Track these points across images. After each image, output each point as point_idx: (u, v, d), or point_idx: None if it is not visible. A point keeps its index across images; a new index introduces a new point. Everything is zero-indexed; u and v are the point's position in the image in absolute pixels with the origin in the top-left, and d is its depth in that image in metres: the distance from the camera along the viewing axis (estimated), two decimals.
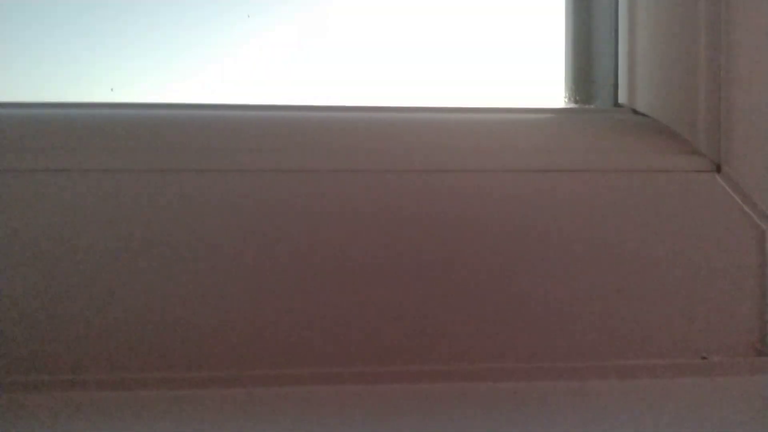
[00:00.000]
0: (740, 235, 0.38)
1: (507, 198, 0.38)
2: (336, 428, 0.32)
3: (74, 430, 0.31)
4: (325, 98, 0.43)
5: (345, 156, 0.38)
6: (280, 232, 0.37)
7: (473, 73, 0.46)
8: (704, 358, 0.38)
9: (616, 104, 0.44)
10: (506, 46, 0.46)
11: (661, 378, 0.37)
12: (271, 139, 0.38)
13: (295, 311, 0.36)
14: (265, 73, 0.45)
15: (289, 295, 0.36)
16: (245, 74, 0.45)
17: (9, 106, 0.39)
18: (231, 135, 0.38)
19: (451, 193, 0.37)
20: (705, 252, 0.38)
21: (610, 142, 0.40)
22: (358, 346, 0.36)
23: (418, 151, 0.38)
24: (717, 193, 0.38)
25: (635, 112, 0.43)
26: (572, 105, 0.46)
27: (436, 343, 0.37)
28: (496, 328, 0.37)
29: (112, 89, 0.43)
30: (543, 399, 0.35)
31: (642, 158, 0.39)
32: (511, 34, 0.46)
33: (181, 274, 0.36)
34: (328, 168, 0.37)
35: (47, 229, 0.36)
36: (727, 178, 0.38)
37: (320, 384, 0.36)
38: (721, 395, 0.36)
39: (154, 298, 0.36)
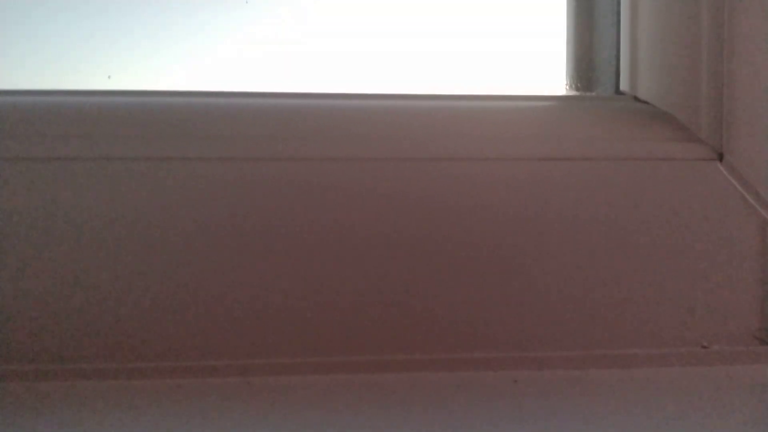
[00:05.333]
0: (741, 224, 0.38)
1: (507, 186, 0.37)
2: (337, 418, 0.32)
3: (71, 419, 0.31)
4: (324, 85, 0.43)
5: (341, 144, 0.37)
6: (280, 220, 0.36)
7: (474, 60, 0.46)
8: (705, 347, 0.38)
9: (618, 92, 0.44)
10: (507, 33, 0.46)
11: (662, 367, 0.37)
12: (271, 127, 0.38)
13: (297, 300, 0.36)
14: (263, 59, 0.45)
15: (291, 284, 0.36)
16: (243, 60, 0.45)
17: (5, 93, 0.39)
18: (228, 122, 0.38)
19: (451, 181, 0.37)
20: (706, 241, 0.38)
21: (611, 130, 0.39)
22: (359, 335, 0.36)
23: (417, 139, 0.38)
24: (719, 182, 0.38)
25: (637, 99, 0.42)
26: (574, 92, 0.46)
27: (436, 332, 0.37)
28: (496, 316, 0.37)
29: (109, 76, 0.43)
30: (543, 388, 0.35)
31: (643, 146, 0.38)
32: (513, 21, 0.46)
33: (180, 263, 0.36)
34: (323, 156, 0.37)
35: (42, 218, 0.35)
36: (729, 166, 0.38)
37: (321, 373, 0.36)
38: (722, 384, 0.36)
39: (152, 288, 0.36)
